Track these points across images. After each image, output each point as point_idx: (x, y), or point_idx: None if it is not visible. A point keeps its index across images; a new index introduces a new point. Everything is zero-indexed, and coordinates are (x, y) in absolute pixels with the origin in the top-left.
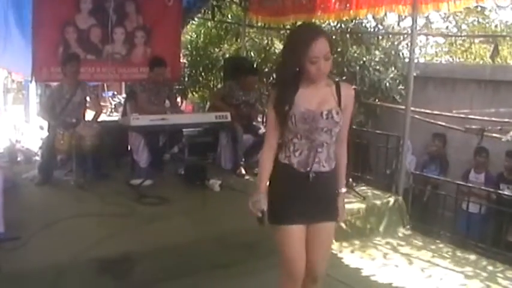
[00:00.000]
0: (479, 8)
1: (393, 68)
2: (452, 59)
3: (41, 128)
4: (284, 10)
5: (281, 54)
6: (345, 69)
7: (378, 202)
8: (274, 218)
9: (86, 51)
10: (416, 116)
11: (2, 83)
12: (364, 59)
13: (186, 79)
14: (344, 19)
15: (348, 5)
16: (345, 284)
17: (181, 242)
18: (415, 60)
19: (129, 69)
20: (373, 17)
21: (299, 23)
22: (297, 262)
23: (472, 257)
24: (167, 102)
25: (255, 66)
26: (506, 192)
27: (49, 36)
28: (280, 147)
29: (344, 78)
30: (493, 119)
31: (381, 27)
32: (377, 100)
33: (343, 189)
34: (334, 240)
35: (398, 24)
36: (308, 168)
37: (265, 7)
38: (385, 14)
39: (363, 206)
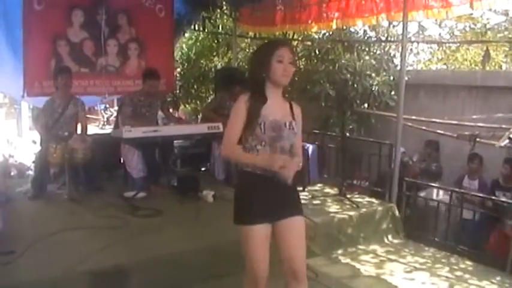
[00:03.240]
0: (472, 14)
1: (385, 74)
2: (446, 66)
3: (34, 142)
4: (275, 20)
5: (250, 62)
6: (337, 77)
7: (371, 210)
8: (238, 220)
9: (79, 64)
10: (409, 124)
11: None
12: (356, 65)
13: (178, 91)
14: (335, 27)
15: (338, 14)
16: None
17: (175, 254)
18: (410, 68)
19: (123, 81)
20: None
21: (290, 33)
22: (258, 262)
23: (465, 263)
24: (160, 113)
25: (245, 75)
26: (501, 199)
27: (40, 50)
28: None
29: (336, 86)
30: (485, 125)
31: (372, 33)
32: (368, 106)
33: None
34: (328, 247)
35: (388, 31)
36: (275, 173)
37: (255, 17)
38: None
39: (356, 213)
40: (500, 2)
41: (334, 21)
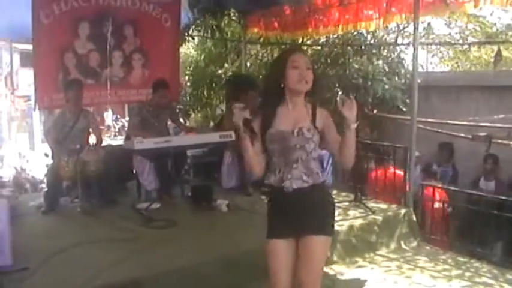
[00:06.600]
0: (478, 14)
1: (396, 78)
2: (458, 65)
3: (46, 155)
4: (284, 25)
5: (266, 73)
6: (348, 82)
7: (387, 215)
8: (267, 234)
9: (85, 76)
10: (421, 126)
11: (5, 111)
12: (368, 69)
13: (188, 98)
14: (344, 32)
15: (348, 17)
16: None
17: (191, 265)
18: (420, 69)
19: (127, 91)
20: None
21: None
22: (277, 274)
23: (484, 267)
24: (171, 123)
25: (255, 82)
26: None
27: (49, 63)
28: (267, 167)
29: (346, 91)
30: (500, 125)
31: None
32: (380, 111)
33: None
34: (345, 254)
35: (398, 33)
36: (283, 184)
37: (265, 23)
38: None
39: (372, 219)
40: None
41: (341, 26)
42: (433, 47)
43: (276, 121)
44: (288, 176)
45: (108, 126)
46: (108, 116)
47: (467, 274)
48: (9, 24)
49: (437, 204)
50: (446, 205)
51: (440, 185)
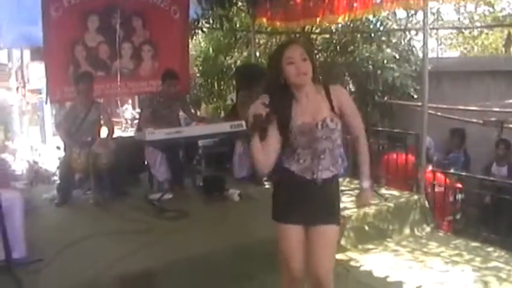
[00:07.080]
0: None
1: (406, 65)
2: (467, 51)
3: (58, 148)
4: (292, 14)
5: (266, 71)
6: (357, 70)
7: (399, 202)
8: (273, 214)
9: (95, 68)
10: (432, 112)
11: (16, 105)
12: (378, 57)
13: (199, 89)
14: (352, 19)
15: (356, 5)
16: (368, 285)
17: (204, 255)
18: (430, 54)
19: (137, 83)
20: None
21: (308, 26)
22: (292, 261)
23: (496, 251)
24: (182, 113)
25: (264, 71)
26: None
27: (59, 56)
28: (284, 154)
29: (356, 79)
30: (511, 110)
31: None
32: (390, 98)
33: (366, 184)
34: (358, 241)
35: (409, 18)
36: (314, 176)
37: (273, 12)
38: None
39: (385, 206)
40: None
41: (349, 13)
42: (443, 33)
43: (295, 114)
44: (319, 167)
45: (130, 120)
46: (128, 109)
47: (479, 259)
48: (19, 32)
49: (442, 189)
50: (455, 191)
51: (451, 171)
